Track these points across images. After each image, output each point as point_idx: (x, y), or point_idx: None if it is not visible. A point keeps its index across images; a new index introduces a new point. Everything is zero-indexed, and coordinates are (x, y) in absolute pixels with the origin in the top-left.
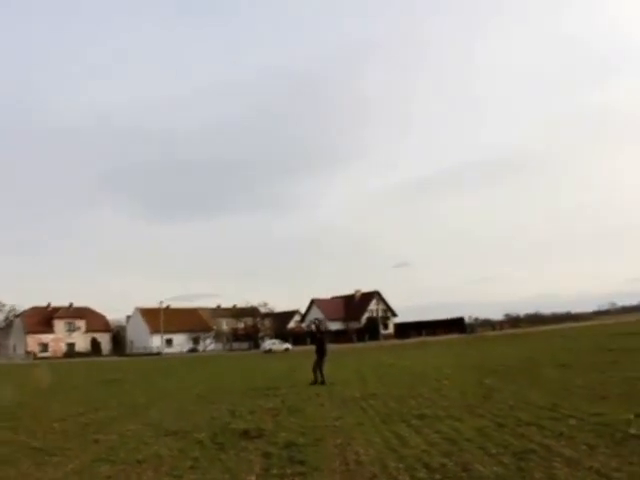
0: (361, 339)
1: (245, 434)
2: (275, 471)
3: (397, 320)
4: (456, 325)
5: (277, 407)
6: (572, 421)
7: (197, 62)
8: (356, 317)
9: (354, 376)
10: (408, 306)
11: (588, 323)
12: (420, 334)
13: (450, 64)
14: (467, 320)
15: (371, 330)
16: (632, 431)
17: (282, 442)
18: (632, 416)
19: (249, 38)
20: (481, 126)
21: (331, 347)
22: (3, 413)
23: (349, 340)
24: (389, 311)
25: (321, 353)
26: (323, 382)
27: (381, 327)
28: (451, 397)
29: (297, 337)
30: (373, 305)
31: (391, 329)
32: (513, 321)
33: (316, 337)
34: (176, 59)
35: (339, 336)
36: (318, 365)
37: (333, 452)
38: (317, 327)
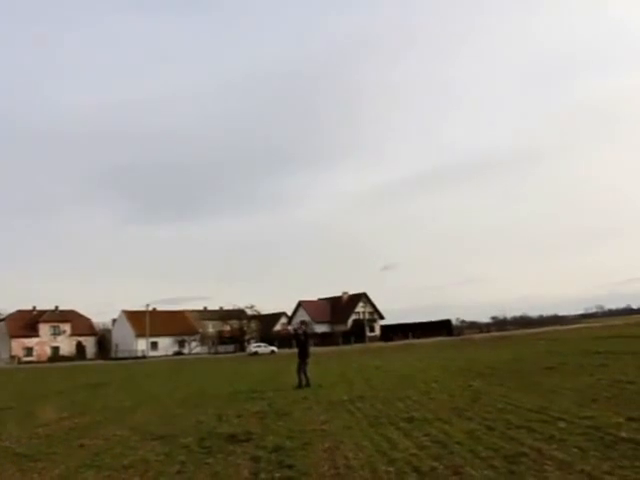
0: (347, 342)
1: (232, 438)
2: (263, 475)
3: (383, 322)
4: (443, 327)
5: (264, 410)
6: (562, 424)
7: (182, 62)
8: (343, 319)
9: (340, 379)
10: (394, 308)
11: (575, 326)
12: (406, 336)
13: (436, 62)
14: (454, 322)
15: (357, 332)
16: (623, 434)
17: (270, 446)
18: (622, 419)
19: (233, 37)
20: (466, 126)
21: (315, 350)
22: None
23: (335, 343)
24: (376, 313)
25: (303, 355)
26: (308, 384)
27: (367, 329)
28: (439, 400)
29: (283, 339)
30: (360, 307)
31: (377, 331)
32: (500, 323)
33: (299, 339)
34: (161, 60)
35: (325, 338)
36: (301, 367)
37: (322, 456)
38: (299, 329)
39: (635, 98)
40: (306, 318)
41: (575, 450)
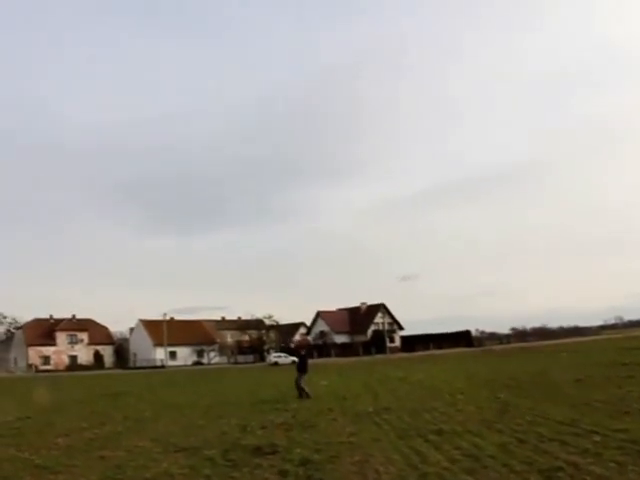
0: (367, 352)
1: (258, 450)
2: None
3: (403, 333)
4: (463, 338)
5: (289, 422)
6: (596, 437)
7: (193, 77)
8: (362, 330)
9: (364, 390)
10: (414, 319)
11: (596, 337)
12: (427, 347)
13: (447, 78)
14: (473, 333)
15: (377, 343)
16: None
17: (297, 459)
18: None
19: (246, 53)
20: (480, 139)
21: (336, 361)
22: (6, 428)
23: (355, 353)
24: (395, 324)
25: (302, 369)
26: (301, 395)
27: (387, 340)
28: (467, 412)
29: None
30: (379, 318)
31: (397, 342)
32: (520, 335)
33: (299, 354)
34: (172, 75)
35: (345, 349)
36: (298, 380)
37: (351, 470)
38: (303, 342)
39: None
40: (325, 328)
41: (612, 464)
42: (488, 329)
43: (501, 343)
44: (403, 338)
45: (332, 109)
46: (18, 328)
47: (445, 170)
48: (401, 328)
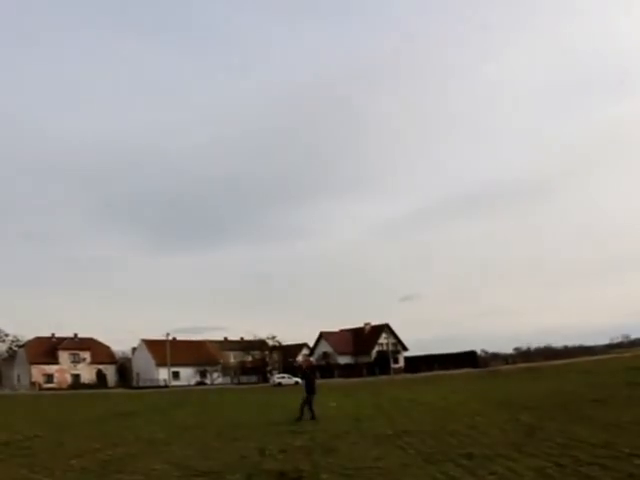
0: (371, 373)
1: (282, 476)
2: None
3: (407, 354)
4: (468, 359)
5: (308, 445)
6: (637, 460)
7: (189, 91)
8: (366, 351)
9: (377, 412)
10: (415, 339)
11: (604, 357)
12: (431, 368)
13: (455, 91)
14: (478, 353)
15: (381, 364)
16: None
17: None
18: None
19: (249, 60)
20: (491, 152)
21: (340, 382)
22: (16, 447)
23: (359, 374)
24: (399, 344)
25: (310, 390)
26: (313, 417)
27: (391, 361)
28: (491, 435)
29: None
30: (383, 338)
31: (401, 363)
32: (524, 355)
33: (306, 373)
34: (171, 88)
35: (349, 370)
36: (307, 401)
37: None
38: (304, 364)
39: None
40: (328, 349)
41: None
42: (490, 349)
43: (507, 363)
44: (407, 359)
45: (330, 125)
46: (21, 346)
47: (447, 187)
48: (405, 349)
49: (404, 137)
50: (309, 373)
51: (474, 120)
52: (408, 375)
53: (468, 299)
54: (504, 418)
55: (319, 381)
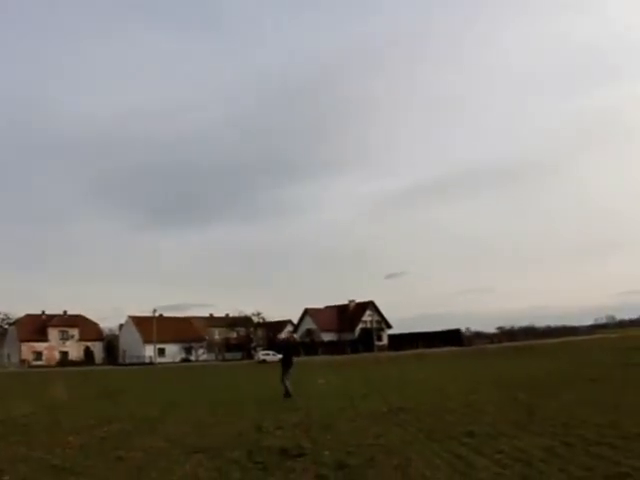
0: (355, 350)
1: (284, 452)
2: None
3: (391, 332)
4: (452, 337)
5: (304, 422)
6: None
7: (186, 71)
8: (350, 328)
9: (368, 389)
10: (398, 317)
11: (590, 337)
12: (415, 346)
13: (448, 69)
14: (462, 332)
15: (365, 341)
16: None
17: (331, 462)
18: None
19: (244, 41)
20: (473, 136)
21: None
22: (12, 425)
23: (343, 351)
24: (383, 322)
25: (286, 365)
26: (287, 394)
27: (375, 338)
28: (490, 413)
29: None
30: (367, 316)
31: (385, 340)
32: (507, 334)
33: (282, 348)
34: (166, 68)
35: (332, 347)
36: (284, 376)
37: (395, 475)
38: (290, 339)
39: None
40: (312, 326)
41: None
42: (474, 328)
43: (491, 342)
44: (391, 337)
45: (319, 106)
46: (11, 324)
47: (433, 167)
48: (389, 326)
49: (391, 119)
50: (286, 347)
51: (465, 102)
52: (392, 353)
53: (452, 278)
54: (500, 397)
55: (303, 358)
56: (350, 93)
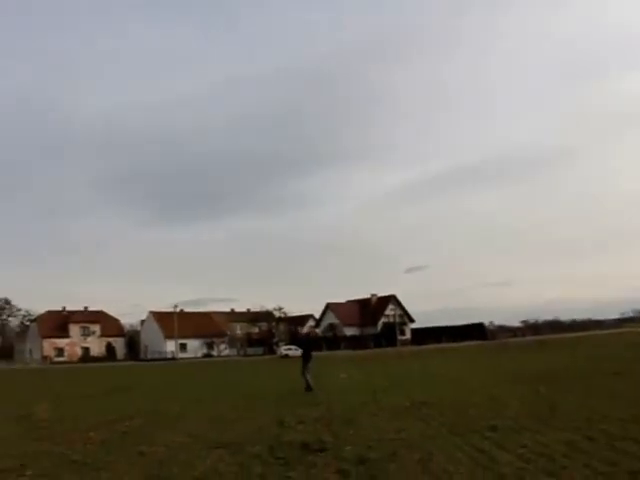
0: (378, 345)
1: (305, 447)
2: None
3: (413, 326)
4: (475, 331)
5: (325, 416)
6: None
7: (197, 64)
8: (372, 322)
9: (390, 383)
10: (420, 311)
11: (617, 330)
12: (439, 340)
13: (467, 56)
14: (486, 326)
15: (388, 336)
16: None
17: (352, 457)
18: None
19: (262, 35)
20: (497, 122)
21: (347, 353)
22: (35, 421)
23: (365, 346)
24: (406, 316)
25: (306, 359)
26: (308, 388)
27: (398, 332)
28: (512, 407)
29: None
30: (389, 310)
31: (408, 335)
32: (531, 328)
33: (303, 342)
34: (176, 62)
35: (355, 341)
36: (304, 370)
37: (417, 469)
38: (310, 333)
39: None
40: (335, 321)
41: None
42: (498, 322)
43: (515, 336)
44: (414, 331)
45: (334, 96)
46: (32, 320)
47: (453, 158)
48: (412, 320)
49: (407, 109)
50: (305, 342)
51: (482, 91)
52: (415, 347)
53: (474, 271)
54: (522, 391)
55: (326, 353)
56: (369, 82)
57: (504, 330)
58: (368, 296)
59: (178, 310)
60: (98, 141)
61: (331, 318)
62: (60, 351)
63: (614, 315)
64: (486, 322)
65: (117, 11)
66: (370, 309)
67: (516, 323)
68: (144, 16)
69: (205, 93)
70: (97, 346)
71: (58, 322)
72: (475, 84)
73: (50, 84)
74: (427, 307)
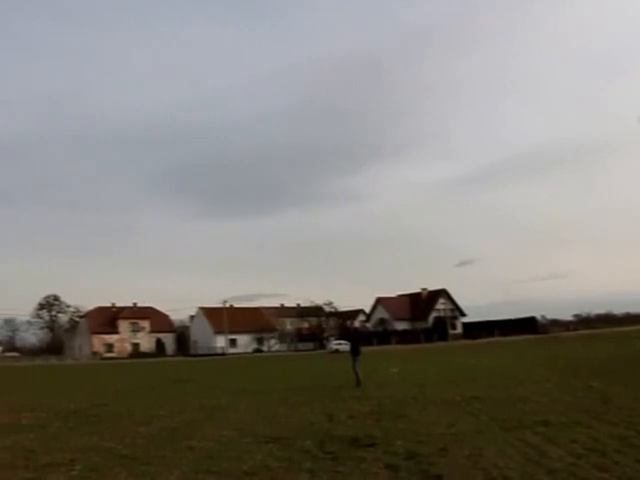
0: (429, 339)
1: (355, 442)
2: None
3: (465, 320)
4: (527, 325)
5: (375, 411)
6: None
7: (244, 58)
8: (423, 316)
9: (441, 378)
10: (474, 305)
11: None
12: (491, 334)
13: (508, 49)
14: (538, 320)
15: (439, 330)
16: None
17: (402, 452)
18: None
19: (302, 25)
20: (546, 114)
21: (398, 348)
22: (84, 415)
23: (416, 340)
24: (457, 310)
25: (354, 353)
26: (358, 382)
27: (449, 327)
28: (564, 401)
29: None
30: (440, 304)
31: (459, 329)
32: (584, 321)
33: (351, 337)
34: (224, 57)
35: (406, 336)
36: (354, 365)
37: (467, 464)
38: (351, 328)
39: None
40: (385, 315)
41: None
42: (550, 315)
43: (567, 330)
44: (465, 325)
45: (382, 89)
46: (82, 317)
47: (502, 149)
48: (463, 314)
49: (457, 100)
50: (354, 335)
51: (532, 81)
52: (467, 341)
53: (526, 264)
54: (574, 385)
55: (376, 348)
56: (409, 79)
57: (556, 324)
58: (418, 290)
59: (227, 305)
60: (149, 136)
61: (381, 313)
62: (110, 347)
63: None
64: (538, 316)
65: (165, 9)
66: (421, 303)
67: (568, 317)
68: (193, 15)
69: (254, 85)
70: (147, 342)
71: (107, 318)
72: (515, 79)
73: (99, 83)
74: (478, 301)
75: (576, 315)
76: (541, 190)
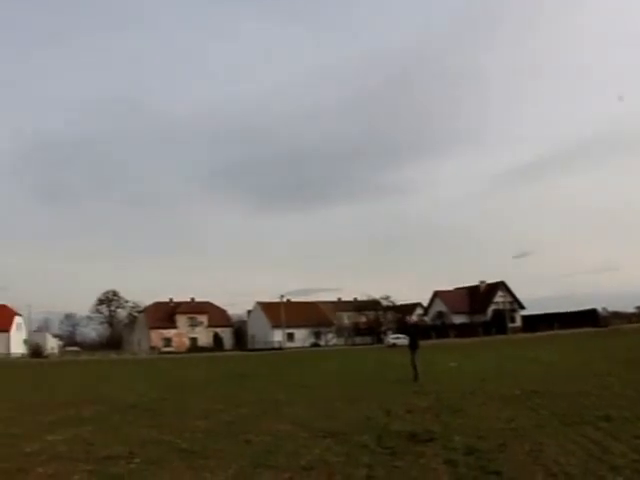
0: (487, 333)
1: (413, 437)
2: None
3: (524, 312)
4: (588, 317)
5: (434, 406)
6: None
7: (293, 54)
8: (481, 310)
9: (500, 372)
10: (533, 298)
11: None
12: (551, 327)
13: (564, 35)
14: (599, 312)
15: (498, 323)
16: None
17: (461, 447)
18: None
19: (347, 20)
20: (604, 100)
21: (456, 342)
22: (143, 409)
23: (475, 334)
24: (516, 303)
25: (413, 347)
26: (416, 377)
27: (508, 320)
28: (627, 396)
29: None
30: (499, 297)
31: (518, 322)
32: None
33: (409, 332)
34: (273, 53)
35: (464, 329)
36: (413, 359)
37: (527, 460)
38: (409, 322)
39: None
40: (443, 309)
41: None
42: (610, 308)
43: (630, 322)
44: (524, 318)
45: (430, 82)
46: (140, 312)
47: (557, 138)
48: (522, 307)
49: (508, 90)
50: (412, 329)
51: (585, 68)
52: (526, 335)
53: (586, 255)
54: (637, 378)
55: (435, 341)
56: (463, 67)
57: (618, 316)
58: (476, 283)
59: (284, 300)
60: (210, 133)
61: (439, 306)
62: (168, 341)
63: None
64: (599, 308)
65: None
66: (479, 296)
67: (630, 309)
68: (244, 15)
69: (301, 84)
70: (204, 336)
71: (165, 313)
72: (573, 65)
73: (155, 83)
74: (537, 293)
75: (638, 307)
76: (599, 178)
